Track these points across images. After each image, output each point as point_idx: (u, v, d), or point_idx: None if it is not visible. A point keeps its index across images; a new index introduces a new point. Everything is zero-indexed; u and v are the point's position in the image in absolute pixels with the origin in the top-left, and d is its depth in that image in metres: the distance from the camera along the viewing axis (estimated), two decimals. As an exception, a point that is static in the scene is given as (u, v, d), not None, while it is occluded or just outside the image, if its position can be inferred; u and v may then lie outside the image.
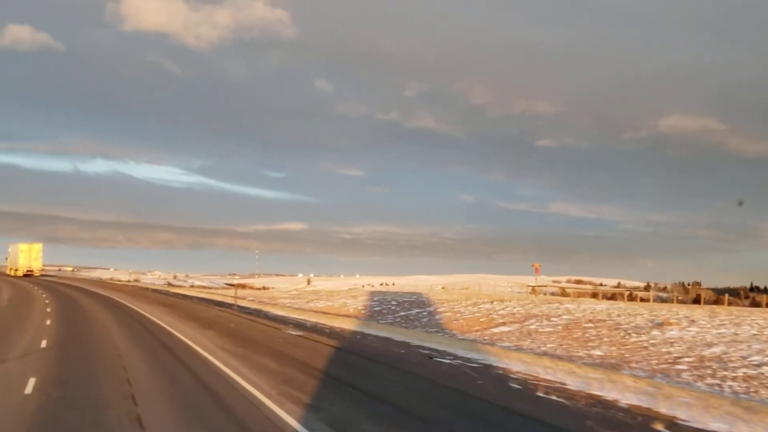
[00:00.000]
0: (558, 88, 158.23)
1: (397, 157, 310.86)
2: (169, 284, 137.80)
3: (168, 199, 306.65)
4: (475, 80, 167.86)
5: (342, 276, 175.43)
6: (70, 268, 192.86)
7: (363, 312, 33.79)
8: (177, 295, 54.03)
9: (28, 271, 77.79)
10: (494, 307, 29.22)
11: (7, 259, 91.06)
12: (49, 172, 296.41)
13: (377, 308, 34.79)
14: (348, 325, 26.32)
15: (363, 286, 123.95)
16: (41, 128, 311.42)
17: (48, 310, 29.59)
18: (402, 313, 31.42)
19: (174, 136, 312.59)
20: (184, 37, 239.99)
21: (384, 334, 22.95)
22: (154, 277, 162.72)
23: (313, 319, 29.64)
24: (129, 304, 36.31)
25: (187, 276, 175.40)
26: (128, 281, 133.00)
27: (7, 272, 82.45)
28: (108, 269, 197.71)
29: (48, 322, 23.83)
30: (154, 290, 61.59)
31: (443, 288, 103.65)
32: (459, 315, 28.17)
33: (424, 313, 30.58)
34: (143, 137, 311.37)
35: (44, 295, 40.30)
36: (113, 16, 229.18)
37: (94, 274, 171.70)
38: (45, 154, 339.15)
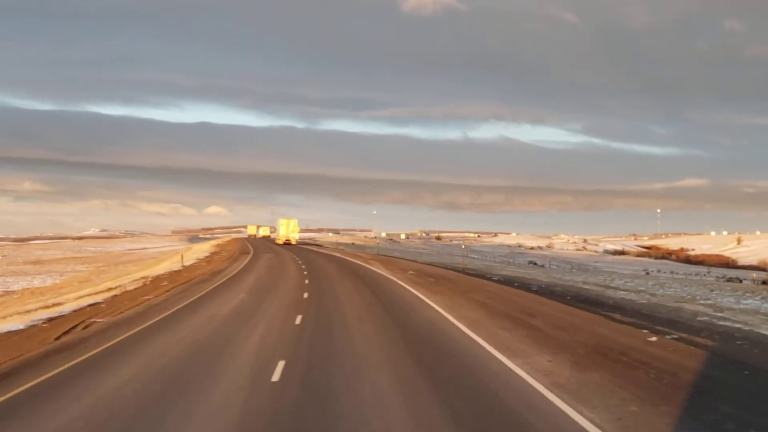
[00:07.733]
0: None
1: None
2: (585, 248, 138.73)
3: (555, 162, 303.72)
4: None
5: (758, 233, 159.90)
6: (474, 235, 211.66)
7: None
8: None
9: (286, 240, 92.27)
10: None
11: (275, 230, 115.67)
12: (441, 141, 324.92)
13: None
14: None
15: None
16: (434, 95, 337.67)
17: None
18: None
19: (559, 94, 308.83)
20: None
21: None
22: (561, 242, 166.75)
23: None
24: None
25: (597, 241, 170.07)
26: (537, 246, 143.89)
27: (276, 241, 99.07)
28: (510, 234, 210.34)
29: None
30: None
31: None
32: None
33: None
34: (530, 97, 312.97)
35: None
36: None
37: (497, 239, 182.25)
38: (436, 121, 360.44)
